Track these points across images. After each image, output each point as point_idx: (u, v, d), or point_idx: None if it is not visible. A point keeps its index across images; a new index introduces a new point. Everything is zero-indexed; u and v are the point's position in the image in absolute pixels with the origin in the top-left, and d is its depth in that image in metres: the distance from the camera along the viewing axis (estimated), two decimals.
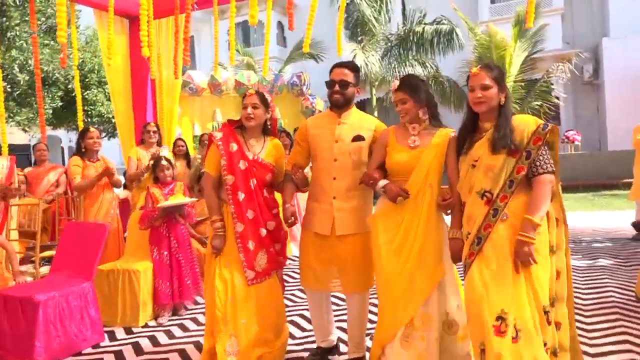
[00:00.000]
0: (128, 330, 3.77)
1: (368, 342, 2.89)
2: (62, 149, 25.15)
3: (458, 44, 12.79)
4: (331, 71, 2.69)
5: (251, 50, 18.53)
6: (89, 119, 13.40)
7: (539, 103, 12.39)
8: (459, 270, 2.51)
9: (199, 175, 4.48)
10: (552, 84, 13.04)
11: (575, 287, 4.25)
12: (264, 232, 2.68)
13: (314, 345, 3.03)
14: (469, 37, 12.83)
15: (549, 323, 2.08)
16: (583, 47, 14.67)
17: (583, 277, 4.60)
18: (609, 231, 6.90)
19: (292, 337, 3.35)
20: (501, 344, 1.98)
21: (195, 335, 3.56)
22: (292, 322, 3.70)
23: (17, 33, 9.24)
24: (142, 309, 3.88)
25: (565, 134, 13.71)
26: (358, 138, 2.64)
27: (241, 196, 2.64)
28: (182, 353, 3.27)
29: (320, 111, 13.08)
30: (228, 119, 2.85)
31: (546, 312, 2.07)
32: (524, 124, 2.16)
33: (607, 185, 12.00)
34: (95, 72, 12.97)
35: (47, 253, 4.39)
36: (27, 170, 5.51)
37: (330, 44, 14.62)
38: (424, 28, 12.82)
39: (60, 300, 3.29)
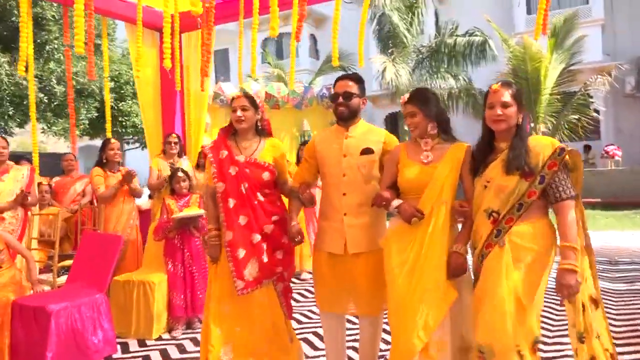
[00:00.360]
0: (141, 343, 3.76)
1: None
2: None
3: (491, 55, 12.54)
4: (335, 84, 2.62)
5: (283, 62, 18.69)
6: (124, 130, 13.72)
7: (576, 117, 11.99)
8: None
9: None
10: (590, 97, 12.61)
11: (608, 313, 4.02)
12: (257, 237, 2.58)
13: None
14: (503, 48, 12.56)
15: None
16: (625, 59, 14.17)
17: (617, 302, 4.33)
18: None
19: (305, 355, 3.25)
20: None
21: None
22: (305, 340, 3.60)
23: (56, 46, 9.56)
24: (156, 321, 3.86)
25: (605, 149, 13.18)
26: (367, 151, 2.54)
27: (232, 203, 2.58)
28: None
29: None
30: (221, 127, 2.80)
31: (536, 343, 2.03)
32: (541, 146, 2.09)
33: None
34: (131, 84, 13.29)
35: (67, 262, 4.43)
36: (55, 179, 5.62)
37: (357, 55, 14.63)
38: (455, 40, 12.63)
39: (72, 311, 3.29)
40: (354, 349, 3.17)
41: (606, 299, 4.37)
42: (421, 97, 2.38)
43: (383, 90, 14.01)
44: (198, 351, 3.49)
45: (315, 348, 3.49)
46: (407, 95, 2.40)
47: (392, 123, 17.77)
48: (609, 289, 4.66)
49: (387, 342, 3.03)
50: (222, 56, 22.81)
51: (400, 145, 2.49)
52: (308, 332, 3.79)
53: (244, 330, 2.58)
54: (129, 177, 4.40)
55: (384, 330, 2.77)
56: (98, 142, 21.73)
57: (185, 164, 4.89)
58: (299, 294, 4.91)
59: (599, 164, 13.84)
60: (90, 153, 20.20)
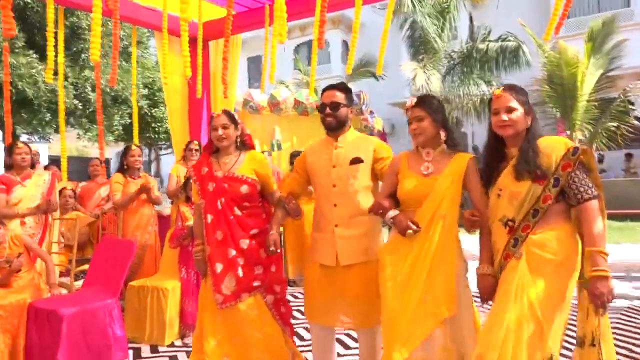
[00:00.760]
0: (153, 349, 3.78)
1: None
2: None
3: (525, 61, 12.21)
4: (322, 95, 2.59)
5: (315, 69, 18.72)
6: (157, 135, 14.01)
7: (615, 124, 11.52)
8: None
9: None
10: (631, 104, 12.10)
11: (629, 328, 3.83)
12: (232, 252, 2.57)
13: None
14: (538, 53, 12.22)
15: None
16: None
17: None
18: None
19: None
20: None
21: None
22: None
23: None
24: (169, 327, 3.88)
25: None
26: (356, 160, 2.50)
27: (209, 218, 2.62)
28: None
29: (379, 130, 12.92)
30: (204, 145, 2.83)
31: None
32: (552, 147, 1.99)
33: None
34: (163, 90, 13.60)
35: (86, 266, 4.51)
36: (82, 184, 5.76)
37: (392, 62, 14.52)
38: (488, 45, 12.36)
39: (84, 315, 3.34)
40: None
41: (627, 315, 4.18)
42: (430, 102, 2.31)
43: (415, 96, 13.85)
44: None
45: None
46: (414, 100, 2.33)
47: None
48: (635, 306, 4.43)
49: None
50: (255, 63, 23.02)
51: (402, 154, 2.41)
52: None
53: (238, 343, 2.56)
54: (144, 189, 4.47)
55: None
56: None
57: None
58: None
59: None
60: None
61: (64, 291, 3.99)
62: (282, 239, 5.34)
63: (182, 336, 3.95)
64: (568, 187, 1.94)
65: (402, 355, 2.05)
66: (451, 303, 2.09)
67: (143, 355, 3.67)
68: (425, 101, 2.31)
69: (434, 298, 2.09)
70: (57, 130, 10.84)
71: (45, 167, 5.90)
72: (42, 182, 4.25)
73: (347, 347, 3.67)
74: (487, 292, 2.12)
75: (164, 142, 15.81)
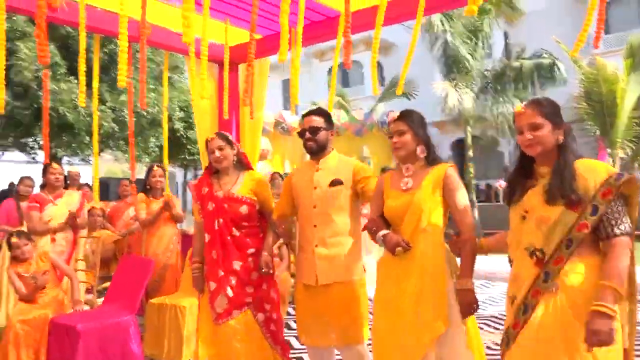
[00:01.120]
0: None
1: None
2: (177, 183, 27.26)
3: (561, 78, 11.93)
4: (302, 120, 2.70)
5: (349, 90, 18.86)
6: (192, 157, 14.35)
7: None
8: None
9: None
10: None
11: None
12: (221, 272, 2.62)
13: None
14: (574, 70, 11.92)
15: None
16: None
17: None
18: None
19: None
20: None
21: None
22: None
23: (128, 79, 10.25)
24: (186, 344, 3.90)
25: None
26: (335, 182, 2.57)
27: (207, 237, 2.70)
28: None
29: None
30: (206, 166, 2.88)
31: None
32: (590, 171, 1.75)
33: None
34: None
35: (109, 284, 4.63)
36: (112, 204, 5.95)
37: (425, 81, 14.47)
38: (522, 63, 12.15)
39: (102, 331, 3.41)
40: None
41: None
42: (413, 117, 2.29)
43: (448, 116, 13.70)
44: None
45: None
46: (397, 113, 2.33)
47: (459, 149, 17.30)
48: None
49: None
50: (289, 85, 23.37)
51: (386, 174, 2.42)
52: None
53: (229, 358, 2.60)
54: (167, 207, 4.58)
55: None
56: (175, 169, 22.57)
57: None
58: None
59: None
60: (169, 179, 21.37)
61: (86, 307, 4.09)
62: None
63: None
64: (602, 217, 1.72)
65: None
66: (445, 318, 2.03)
67: None
68: (408, 116, 2.30)
69: (424, 318, 2.03)
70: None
71: (78, 188, 6.13)
72: (73, 202, 4.43)
73: None
74: (468, 307, 2.04)
75: (199, 163, 16.21)
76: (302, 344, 2.78)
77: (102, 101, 10.16)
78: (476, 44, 12.70)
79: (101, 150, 11.68)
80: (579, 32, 4.09)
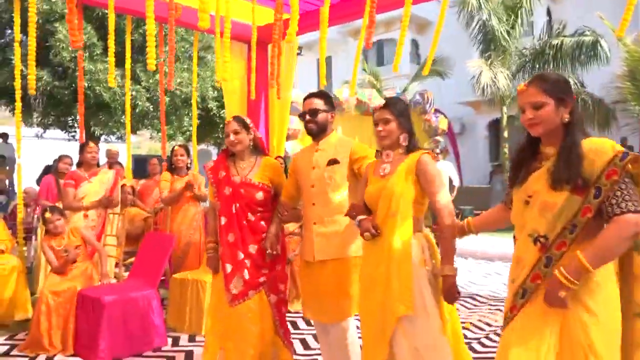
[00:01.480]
0: (191, 338, 3.97)
1: None
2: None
3: (604, 56, 11.42)
4: (303, 103, 2.72)
5: (383, 69, 18.59)
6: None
7: None
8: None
9: None
10: None
11: None
12: (241, 255, 2.68)
13: None
14: (618, 48, 11.39)
15: None
16: None
17: None
18: None
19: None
20: None
21: None
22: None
23: (162, 60, 10.45)
24: (206, 318, 4.05)
25: None
26: (333, 162, 2.63)
27: (223, 220, 2.73)
28: None
29: (443, 130, 12.62)
30: (223, 149, 2.93)
31: None
32: (596, 150, 1.64)
33: None
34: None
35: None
36: (142, 182, 6.15)
37: (462, 60, 14.11)
38: (562, 40, 11.68)
39: (125, 304, 3.59)
40: None
41: None
42: (398, 106, 2.28)
43: (484, 96, 13.37)
44: None
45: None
46: (382, 102, 2.34)
47: (495, 129, 16.88)
48: None
49: None
50: (325, 64, 23.19)
51: (371, 163, 2.44)
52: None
53: (236, 336, 2.66)
54: (189, 187, 4.71)
55: None
56: (203, 147, 22.93)
57: None
58: None
59: None
60: (205, 157, 21.70)
61: (113, 281, 4.29)
62: None
63: None
64: (606, 199, 1.62)
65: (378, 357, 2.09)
66: (409, 302, 2.04)
67: (181, 343, 3.86)
68: (393, 104, 2.29)
69: (391, 298, 2.08)
70: (132, 131, 11.60)
71: (110, 166, 6.35)
72: (107, 180, 4.62)
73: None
74: (451, 293, 2.05)
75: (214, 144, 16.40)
76: (306, 318, 2.94)
77: (137, 81, 10.36)
78: (515, 21, 12.28)
79: (137, 129, 11.96)
80: (625, 8, 3.91)
